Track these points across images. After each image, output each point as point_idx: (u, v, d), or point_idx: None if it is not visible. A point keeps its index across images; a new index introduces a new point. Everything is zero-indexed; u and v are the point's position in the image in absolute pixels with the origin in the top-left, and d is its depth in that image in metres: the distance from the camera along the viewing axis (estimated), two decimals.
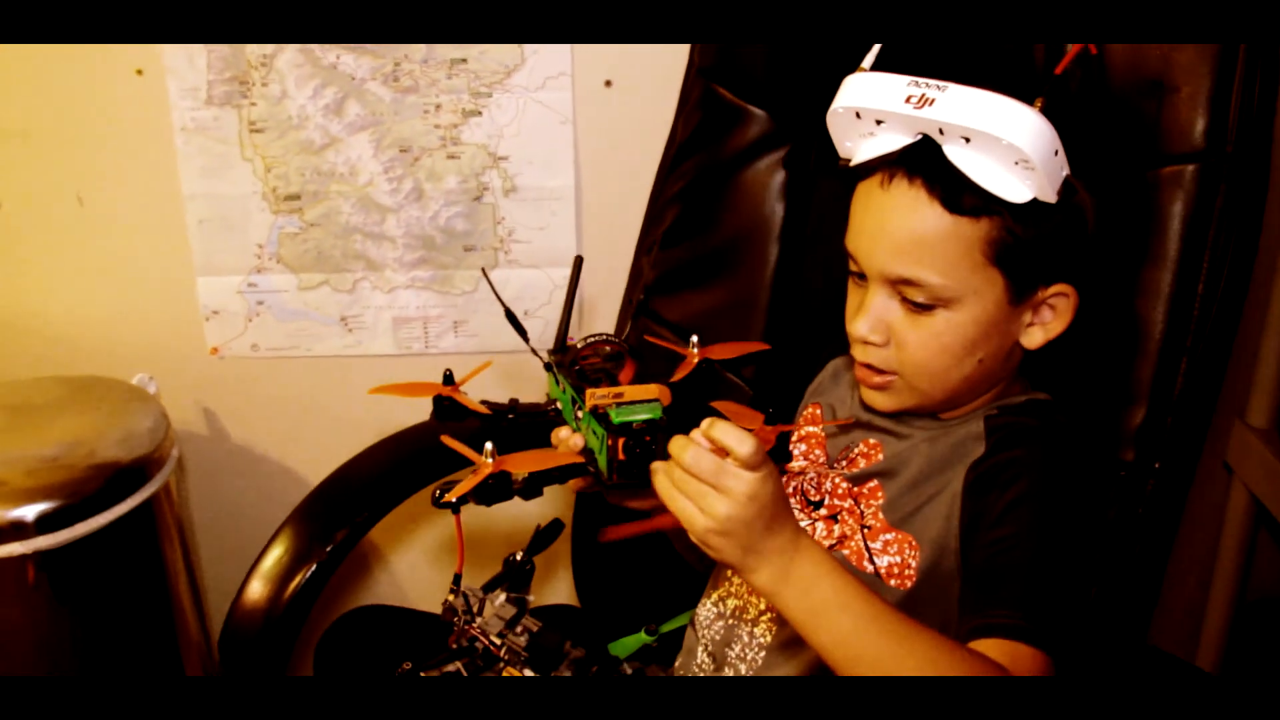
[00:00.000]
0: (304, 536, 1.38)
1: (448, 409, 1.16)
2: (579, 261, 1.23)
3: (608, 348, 1.18)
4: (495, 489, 1.06)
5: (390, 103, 1.79)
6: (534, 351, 1.19)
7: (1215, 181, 1.20)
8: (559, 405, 1.17)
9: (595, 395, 1.04)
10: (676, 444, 0.94)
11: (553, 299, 1.90)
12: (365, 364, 1.95)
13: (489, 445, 1.02)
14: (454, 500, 1.20)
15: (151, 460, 1.64)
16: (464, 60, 1.77)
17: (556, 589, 1.99)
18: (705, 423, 0.93)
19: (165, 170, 1.82)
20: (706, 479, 0.93)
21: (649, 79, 1.79)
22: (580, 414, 1.10)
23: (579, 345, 1.17)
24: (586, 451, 1.09)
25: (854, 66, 1.12)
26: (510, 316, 1.20)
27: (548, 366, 1.18)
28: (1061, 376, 1.20)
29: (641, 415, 1.02)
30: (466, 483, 1.04)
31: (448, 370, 1.15)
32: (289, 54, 1.76)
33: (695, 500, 0.94)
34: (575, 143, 1.83)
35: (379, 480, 1.44)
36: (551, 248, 1.88)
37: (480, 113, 1.80)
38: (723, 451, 0.93)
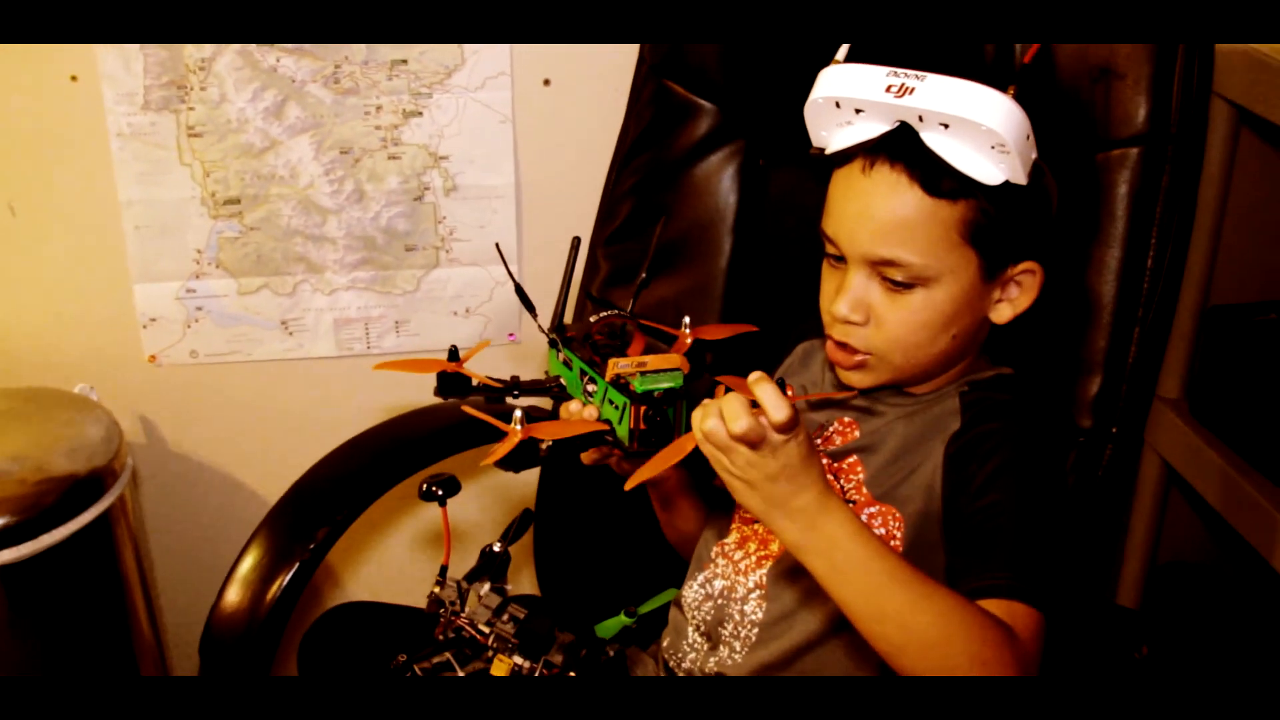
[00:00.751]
0: (282, 538, 1.38)
1: (451, 384, 1.18)
2: (576, 242, 1.26)
3: (617, 324, 1.21)
4: (524, 456, 1.09)
5: (331, 105, 1.79)
6: (541, 329, 1.22)
7: (1160, 162, 1.28)
8: (562, 381, 1.20)
9: (618, 365, 1.08)
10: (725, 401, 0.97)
11: (494, 296, 1.93)
12: (306, 367, 1.95)
13: (518, 413, 1.05)
14: (439, 495, 1.23)
15: (107, 471, 1.63)
16: (404, 61, 1.78)
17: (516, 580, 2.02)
18: (753, 376, 0.97)
19: (101, 177, 1.80)
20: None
21: (587, 77, 1.83)
22: (593, 387, 1.13)
23: (592, 320, 1.20)
24: (604, 422, 1.12)
25: (806, 61, 1.18)
26: (520, 292, 1.22)
27: (553, 343, 1.21)
28: (1021, 350, 1.27)
29: (664, 384, 1.06)
30: (499, 450, 1.06)
31: (453, 346, 1.18)
32: (228, 57, 1.75)
33: (726, 452, 0.98)
34: (515, 141, 1.86)
35: (355, 477, 1.45)
36: (492, 246, 1.90)
37: (421, 113, 1.82)
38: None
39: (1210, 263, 1.87)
